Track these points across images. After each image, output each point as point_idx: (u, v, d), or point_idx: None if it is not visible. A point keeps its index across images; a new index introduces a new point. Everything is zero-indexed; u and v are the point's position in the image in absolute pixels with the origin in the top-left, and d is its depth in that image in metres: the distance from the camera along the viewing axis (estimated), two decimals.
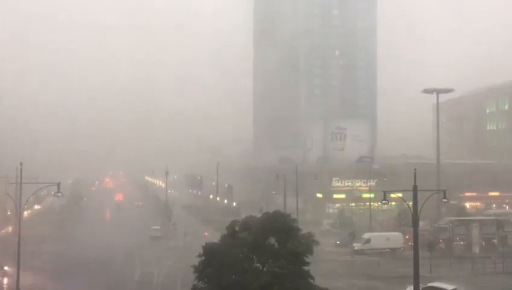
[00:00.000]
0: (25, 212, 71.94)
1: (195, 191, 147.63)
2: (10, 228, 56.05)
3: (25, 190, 38.02)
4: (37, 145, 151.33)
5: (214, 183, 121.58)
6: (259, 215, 22.14)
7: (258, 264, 19.93)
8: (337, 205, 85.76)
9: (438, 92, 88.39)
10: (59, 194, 34.41)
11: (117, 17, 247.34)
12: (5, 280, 41.73)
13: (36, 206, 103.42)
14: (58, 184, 33.15)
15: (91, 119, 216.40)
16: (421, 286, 36.09)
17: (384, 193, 35.67)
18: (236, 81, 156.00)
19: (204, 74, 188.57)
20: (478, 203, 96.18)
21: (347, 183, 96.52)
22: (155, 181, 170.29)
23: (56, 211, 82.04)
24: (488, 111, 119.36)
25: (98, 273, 46.33)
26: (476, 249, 59.71)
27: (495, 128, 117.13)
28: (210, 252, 20.09)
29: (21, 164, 35.68)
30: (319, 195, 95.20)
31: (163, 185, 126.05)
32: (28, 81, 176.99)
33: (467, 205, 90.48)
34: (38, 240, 59.99)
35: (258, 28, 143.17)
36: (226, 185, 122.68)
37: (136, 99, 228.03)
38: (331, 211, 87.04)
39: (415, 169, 33.42)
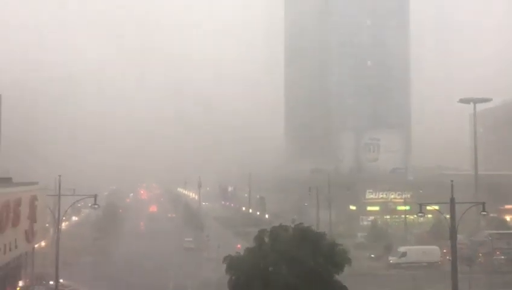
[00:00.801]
0: (63, 224, 73.68)
1: (227, 203, 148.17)
2: (48, 240, 57.42)
3: (63, 202, 39.03)
4: (75, 157, 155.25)
5: (246, 195, 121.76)
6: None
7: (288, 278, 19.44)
8: (371, 217, 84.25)
9: (475, 101, 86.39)
10: (96, 205, 35.23)
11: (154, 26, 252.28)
12: None
13: (74, 218, 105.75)
14: (95, 196, 33.93)
15: (126, 131, 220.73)
16: None
17: (420, 205, 34.95)
18: (267, 92, 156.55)
19: (236, 86, 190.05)
20: None
21: (381, 195, 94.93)
22: (188, 193, 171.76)
23: (92, 223, 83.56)
24: None
25: (134, 284, 46.91)
26: None
27: None
28: (237, 264, 19.79)
29: (59, 176, 36.68)
30: (353, 207, 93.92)
31: (196, 197, 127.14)
32: (68, 94, 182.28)
33: (507, 218, 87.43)
34: (75, 251, 61.25)
35: (289, 39, 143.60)
36: (258, 197, 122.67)
37: (169, 112, 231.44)
38: (364, 223, 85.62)
39: (452, 181, 32.66)
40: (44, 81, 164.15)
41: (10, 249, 25.34)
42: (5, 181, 30.15)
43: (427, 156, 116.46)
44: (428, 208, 48.41)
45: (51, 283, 44.26)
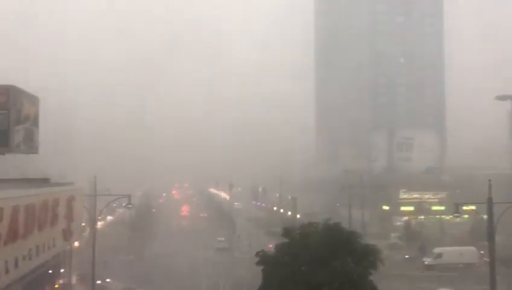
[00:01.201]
0: (99, 223, 75.39)
1: (258, 203, 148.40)
2: (85, 239, 58.89)
3: (98, 202, 39.91)
4: (110, 158, 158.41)
5: (277, 195, 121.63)
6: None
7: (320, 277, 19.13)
8: (405, 217, 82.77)
9: None
10: (129, 205, 35.94)
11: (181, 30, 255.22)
12: None
13: (109, 217, 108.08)
14: (129, 196, 34.61)
15: (159, 132, 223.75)
16: None
17: (457, 205, 34.18)
18: (298, 91, 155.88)
19: (266, 84, 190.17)
20: None
21: (415, 195, 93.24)
22: (219, 193, 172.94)
23: (127, 222, 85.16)
24: None
25: (167, 282, 47.59)
26: None
27: None
28: (270, 263, 19.68)
29: (95, 177, 37.53)
30: (386, 207, 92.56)
31: (227, 197, 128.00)
32: (101, 95, 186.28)
33: None
34: (110, 250, 62.56)
35: (320, 37, 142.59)
36: (289, 197, 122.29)
37: (200, 111, 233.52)
38: (398, 223, 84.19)
39: (490, 180, 31.80)
40: (80, 82, 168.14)
41: (49, 248, 26.09)
42: (44, 182, 31.10)
43: (463, 155, 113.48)
44: (464, 208, 47.25)
45: (99, 282, 45.53)
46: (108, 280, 47.32)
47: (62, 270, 32.79)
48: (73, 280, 38.95)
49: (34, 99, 33.84)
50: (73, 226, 30.56)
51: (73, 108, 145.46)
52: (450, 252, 57.81)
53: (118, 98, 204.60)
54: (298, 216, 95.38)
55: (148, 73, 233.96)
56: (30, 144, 33.29)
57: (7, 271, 20.55)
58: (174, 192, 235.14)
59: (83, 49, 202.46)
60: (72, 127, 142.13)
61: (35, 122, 34.00)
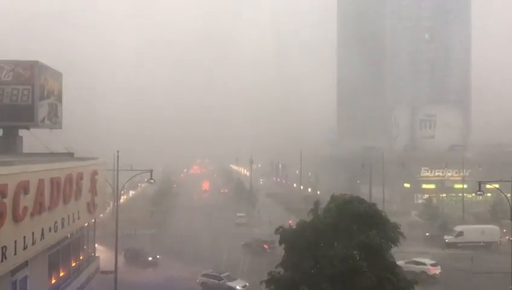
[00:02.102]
0: (121, 198, 76.87)
1: (279, 180, 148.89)
2: (108, 212, 60.17)
3: (121, 177, 40.60)
4: (133, 134, 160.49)
5: (297, 172, 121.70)
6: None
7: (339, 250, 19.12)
8: (426, 195, 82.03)
9: None
10: (152, 180, 36.41)
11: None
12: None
13: (131, 192, 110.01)
14: (151, 171, 35.03)
15: (181, 109, 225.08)
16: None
17: (480, 183, 33.65)
18: (319, 67, 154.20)
19: (288, 62, 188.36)
20: None
21: (437, 173, 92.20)
22: (239, 169, 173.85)
23: (149, 197, 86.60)
24: None
25: (189, 255, 48.50)
26: None
27: None
28: (290, 237, 19.81)
29: (118, 151, 38.07)
30: (407, 185, 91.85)
31: (248, 173, 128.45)
32: (125, 76, 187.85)
33: None
34: (134, 223, 63.90)
35: (343, 11, 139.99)
36: (309, 174, 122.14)
37: (222, 88, 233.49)
38: (419, 201, 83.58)
39: None
40: (103, 59, 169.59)
41: (73, 220, 26.72)
42: (68, 156, 31.68)
43: (488, 133, 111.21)
44: (488, 186, 46.52)
45: (150, 259, 47.33)
46: (158, 256, 48.45)
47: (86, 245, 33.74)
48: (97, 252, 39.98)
49: (57, 75, 34.25)
50: (97, 200, 31.17)
51: (97, 85, 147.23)
52: (471, 230, 57.30)
53: (142, 75, 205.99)
54: (318, 193, 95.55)
55: (172, 49, 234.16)
56: (54, 119, 33.84)
57: (34, 242, 21.17)
58: (195, 167, 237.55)
59: (107, 26, 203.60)
60: (95, 104, 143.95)
61: (58, 97, 34.48)
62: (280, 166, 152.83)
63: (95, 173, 30.65)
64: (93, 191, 30.21)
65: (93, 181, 30.21)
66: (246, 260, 47.58)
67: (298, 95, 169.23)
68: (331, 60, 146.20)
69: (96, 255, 35.11)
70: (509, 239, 50.89)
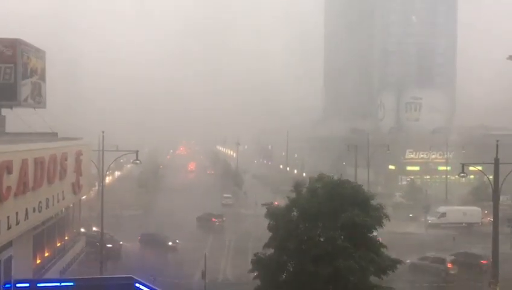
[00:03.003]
0: (107, 179, 76.48)
1: (265, 161, 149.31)
2: (93, 193, 59.94)
3: (106, 157, 40.31)
4: (118, 115, 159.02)
5: (283, 153, 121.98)
6: None
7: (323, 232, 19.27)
8: (411, 177, 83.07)
9: None
10: (137, 161, 36.22)
11: None
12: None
13: (117, 173, 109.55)
14: (137, 152, 34.81)
15: (166, 90, 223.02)
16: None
17: (463, 165, 34.10)
18: (306, 49, 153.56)
19: (274, 42, 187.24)
20: None
21: (422, 155, 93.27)
22: (226, 150, 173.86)
23: (135, 178, 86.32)
24: None
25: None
26: None
27: None
28: (277, 217, 19.88)
29: (103, 132, 37.74)
30: (392, 167, 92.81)
31: (234, 155, 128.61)
32: (109, 53, 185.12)
33: None
34: (119, 204, 63.77)
35: None
36: (295, 155, 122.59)
37: (207, 69, 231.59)
38: (404, 183, 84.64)
39: (497, 140, 31.66)
40: (87, 41, 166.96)
41: (58, 201, 26.54)
42: (52, 136, 31.32)
43: (473, 115, 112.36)
44: (471, 168, 47.22)
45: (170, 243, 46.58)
46: (177, 241, 47.48)
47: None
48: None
49: (40, 53, 33.60)
50: (82, 180, 30.96)
51: (82, 64, 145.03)
52: (453, 212, 58.38)
53: (128, 55, 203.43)
54: (304, 174, 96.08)
55: (157, 30, 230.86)
56: (38, 99, 33.32)
57: (18, 222, 21.02)
58: (181, 149, 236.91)
59: (91, 7, 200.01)
60: (80, 83, 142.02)
61: (42, 76, 33.90)
62: (267, 148, 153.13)
63: (79, 153, 30.38)
64: (78, 171, 29.97)
65: (77, 161, 29.95)
66: (196, 230, 54.13)
67: (286, 77, 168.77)
68: (318, 42, 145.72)
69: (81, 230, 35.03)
70: (490, 220, 51.93)
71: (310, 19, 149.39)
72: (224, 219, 58.35)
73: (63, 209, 29.63)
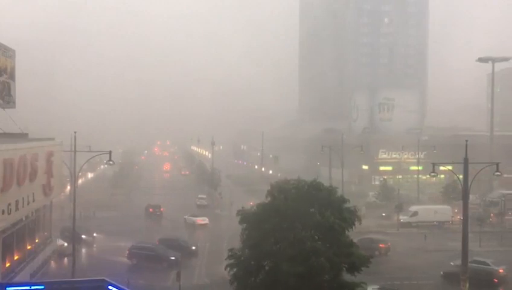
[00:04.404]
0: (80, 180, 75.28)
1: (240, 161, 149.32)
2: (66, 195, 58.90)
3: (79, 158, 39.65)
4: (91, 116, 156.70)
5: (258, 154, 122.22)
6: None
7: (300, 233, 19.55)
8: (384, 177, 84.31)
9: (494, 60, 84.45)
10: (111, 162, 35.68)
11: None
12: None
13: (90, 174, 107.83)
14: (110, 153, 34.25)
15: (140, 91, 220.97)
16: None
17: (433, 165, 34.76)
18: (281, 51, 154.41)
19: (250, 44, 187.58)
20: None
21: (394, 155, 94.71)
22: (201, 151, 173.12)
23: (108, 179, 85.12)
24: None
25: (149, 237, 48.16)
26: None
27: None
28: (250, 219, 20.04)
29: (75, 132, 37.10)
30: (365, 167, 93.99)
31: (209, 155, 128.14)
32: (83, 56, 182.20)
33: None
34: (92, 206, 62.81)
35: None
36: (270, 156, 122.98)
37: (183, 71, 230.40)
38: (377, 183, 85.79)
39: (467, 141, 32.37)
40: (62, 42, 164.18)
41: (28, 203, 26.03)
42: (22, 137, 30.67)
43: (443, 116, 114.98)
44: (441, 168, 48.20)
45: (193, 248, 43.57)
46: (95, 234, 47.72)
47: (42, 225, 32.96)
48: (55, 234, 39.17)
49: (10, 52, 32.85)
50: (53, 182, 30.41)
51: (54, 64, 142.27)
52: (425, 210, 59.47)
53: (104, 57, 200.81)
54: (279, 175, 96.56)
55: (131, 30, 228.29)
56: (7, 98, 32.56)
57: None
58: (156, 149, 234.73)
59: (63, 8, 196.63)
60: (52, 83, 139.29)
61: (11, 75, 33.13)
62: (242, 148, 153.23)
63: (50, 154, 29.84)
64: (49, 172, 29.44)
65: (49, 162, 29.42)
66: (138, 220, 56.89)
67: (261, 78, 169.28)
68: (293, 45, 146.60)
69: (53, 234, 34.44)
70: (460, 218, 53.15)
71: (285, 23, 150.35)
72: (161, 209, 64.12)
73: (34, 211, 29.05)
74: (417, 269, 38.77)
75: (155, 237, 45.91)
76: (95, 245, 46.75)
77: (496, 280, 35.17)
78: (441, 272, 36.48)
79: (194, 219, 58.32)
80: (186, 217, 59.29)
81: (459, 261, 32.00)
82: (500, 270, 36.30)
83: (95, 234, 48.29)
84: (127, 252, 40.22)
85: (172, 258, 38.58)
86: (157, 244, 42.56)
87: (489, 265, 36.88)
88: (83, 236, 46.13)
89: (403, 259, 42.70)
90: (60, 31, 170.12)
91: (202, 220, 57.96)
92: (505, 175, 63.17)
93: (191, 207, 69.36)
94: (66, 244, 42.06)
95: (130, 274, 33.20)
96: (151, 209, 63.65)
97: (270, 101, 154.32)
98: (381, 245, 43.92)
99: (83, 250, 44.11)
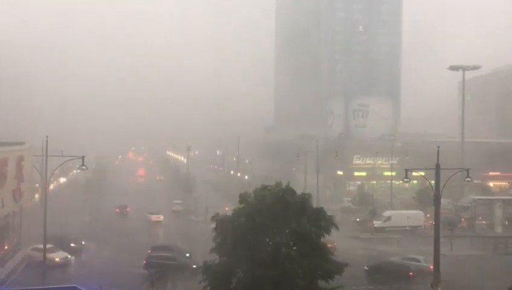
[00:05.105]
0: (52, 185, 73.80)
1: (216, 167, 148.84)
2: (37, 200, 57.63)
3: (51, 163, 38.88)
4: (64, 120, 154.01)
5: (234, 159, 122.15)
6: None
7: (274, 239, 19.56)
8: (358, 182, 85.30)
9: (465, 69, 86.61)
10: (83, 167, 35.10)
11: None
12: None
13: (62, 179, 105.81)
14: (83, 157, 33.67)
15: (113, 96, 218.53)
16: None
17: (406, 170, 35.39)
18: (257, 57, 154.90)
19: (225, 48, 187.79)
20: (503, 183, 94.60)
21: (368, 161, 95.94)
22: (176, 156, 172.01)
23: (81, 184, 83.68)
24: None
25: (122, 244, 47.50)
26: (499, 229, 59.06)
27: None
28: (224, 225, 19.94)
29: (47, 136, 36.38)
30: (340, 172, 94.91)
31: (185, 160, 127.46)
32: (55, 57, 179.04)
33: (491, 184, 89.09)
34: (65, 211, 61.58)
35: (280, 5, 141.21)
36: (246, 161, 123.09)
37: (157, 75, 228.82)
38: (351, 188, 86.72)
39: (438, 147, 33.04)
40: (34, 44, 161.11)
41: None
42: None
43: (416, 123, 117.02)
44: (414, 174, 49.04)
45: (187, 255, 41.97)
46: (83, 242, 46.59)
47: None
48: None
49: None
50: (23, 187, 29.73)
51: (26, 66, 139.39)
52: (398, 216, 60.35)
53: (79, 60, 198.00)
54: (254, 180, 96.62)
55: (105, 34, 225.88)
56: None
57: None
58: (130, 155, 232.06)
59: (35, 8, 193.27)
60: (23, 86, 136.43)
61: None
62: (218, 153, 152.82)
63: (21, 158, 29.21)
64: (19, 177, 28.80)
65: (19, 167, 28.78)
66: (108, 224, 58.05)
67: (237, 83, 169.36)
68: (269, 50, 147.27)
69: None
70: (432, 223, 54.12)
71: (260, 29, 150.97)
72: (127, 209, 68.56)
73: (3, 217, 28.33)
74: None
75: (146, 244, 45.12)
76: (83, 254, 44.90)
77: (412, 274, 37.98)
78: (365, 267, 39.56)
79: (150, 216, 63.08)
80: (146, 215, 63.74)
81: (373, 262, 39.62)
82: (431, 267, 37.68)
83: (83, 242, 46.65)
84: (144, 262, 38.20)
85: (194, 266, 33.27)
86: (176, 250, 41.26)
87: (420, 262, 40.28)
88: (72, 244, 44.48)
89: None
90: (36, 29, 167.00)
91: (157, 217, 62.76)
92: (475, 181, 65.23)
93: (167, 213, 68.77)
94: (69, 256, 40.37)
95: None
96: (117, 210, 68.06)
97: (246, 106, 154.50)
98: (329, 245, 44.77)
99: (68, 257, 41.50)
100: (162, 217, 63.28)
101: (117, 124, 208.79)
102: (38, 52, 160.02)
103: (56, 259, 38.84)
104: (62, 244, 42.45)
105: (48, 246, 40.00)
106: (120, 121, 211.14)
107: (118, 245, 46.96)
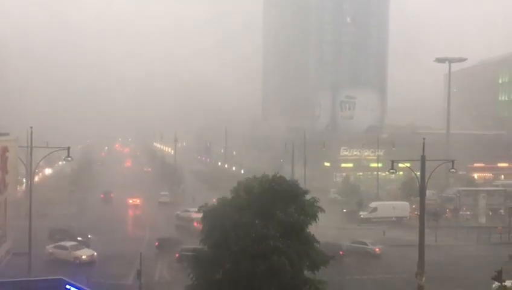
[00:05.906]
0: (37, 176, 73.10)
1: (203, 158, 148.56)
2: (22, 192, 57.06)
3: (36, 155, 38.48)
4: (47, 112, 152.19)
5: (222, 151, 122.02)
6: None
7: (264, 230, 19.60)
8: (345, 173, 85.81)
9: (451, 61, 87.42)
10: (69, 158, 34.81)
11: None
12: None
13: (47, 171, 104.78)
14: (68, 149, 33.37)
15: (99, 87, 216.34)
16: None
17: (392, 162, 35.73)
18: (245, 48, 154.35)
19: (213, 40, 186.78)
20: (487, 174, 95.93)
21: (355, 153, 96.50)
22: (163, 148, 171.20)
23: (67, 176, 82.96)
24: (500, 81, 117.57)
25: (109, 236, 47.30)
26: (483, 220, 59.99)
27: (507, 98, 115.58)
28: (213, 215, 19.89)
29: (31, 127, 35.95)
30: (327, 164, 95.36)
31: (172, 152, 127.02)
32: (41, 47, 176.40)
33: (476, 175, 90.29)
34: (50, 203, 61.13)
35: None
36: (234, 153, 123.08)
37: (145, 66, 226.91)
38: (338, 179, 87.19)
39: (424, 139, 33.39)
40: (22, 35, 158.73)
41: None
42: None
43: (403, 115, 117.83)
44: (400, 165, 49.46)
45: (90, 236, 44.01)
46: (89, 235, 45.91)
47: None
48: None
49: None
50: (8, 178, 29.42)
51: (11, 57, 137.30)
52: (384, 206, 60.92)
53: (62, 52, 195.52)
54: (242, 171, 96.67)
55: (92, 28, 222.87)
56: None
57: None
58: (117, 146, 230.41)
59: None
60: (7, 76, 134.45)
61: None
62: (206, 145, 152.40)
63: (5, 149, 28.87)
64: (3, 169, 28.48)
65: (3, 158, 28.46)
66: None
67: (225, 74, 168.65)
68: (257, 42, 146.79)
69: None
70: (417, 214, 54.77)
71: (249, 19, 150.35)
72: (112, 195, 72.43)
73: None
74: None
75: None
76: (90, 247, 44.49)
77: (342, 252, 39.93)
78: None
79: (130, 200, 68.48)
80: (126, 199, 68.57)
81: None
82: (377, 249, 43.11)
83: (89, 235, 45.95)
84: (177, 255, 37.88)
85: None
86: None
87: (367, 245, 43.46)
88: (79, 238, 43.74)
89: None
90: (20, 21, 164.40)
91: (134, 201, 68.40)
92: (460, 172, 66.03)
93: (154, 204, 68.61)
94: (95, 253, 39.36)
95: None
96: (102, 195, 72.69)
97: (234, 97, 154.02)
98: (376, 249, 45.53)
99: (94, 254, 40.13)
100: (138, 201, 68.84)
101: (103, 115, 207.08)
102: (21, 41, 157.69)
103: (83, 257, 38.32)
104: (68, 238, 42.19)
105: (72, 243, 39.99)
106: (107, 112, 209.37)
107: (122, 237, 46.64)
